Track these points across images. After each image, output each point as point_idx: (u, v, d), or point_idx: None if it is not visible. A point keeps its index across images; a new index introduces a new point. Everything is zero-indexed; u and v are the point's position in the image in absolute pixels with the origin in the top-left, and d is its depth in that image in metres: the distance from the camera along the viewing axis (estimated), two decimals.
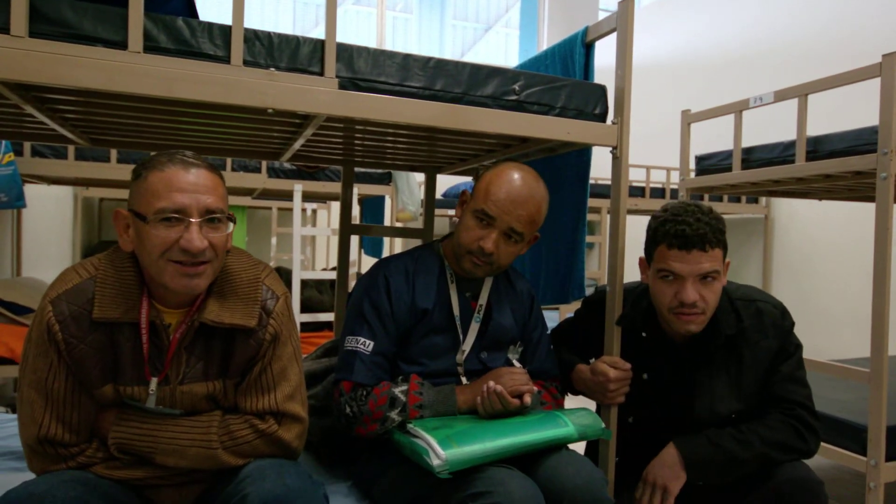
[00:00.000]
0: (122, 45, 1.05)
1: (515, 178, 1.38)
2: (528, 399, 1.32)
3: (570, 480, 1.20)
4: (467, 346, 1.44)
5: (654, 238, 1.40)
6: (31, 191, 3.49)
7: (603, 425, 1.37)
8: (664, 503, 1.38)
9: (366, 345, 1.37)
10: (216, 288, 1.17)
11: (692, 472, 1.39)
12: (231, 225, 1.14)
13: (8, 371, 2.61)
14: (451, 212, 4.83)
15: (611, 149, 1.50)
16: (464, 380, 1.43)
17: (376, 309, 1.40)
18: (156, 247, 1.06)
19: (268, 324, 1.18)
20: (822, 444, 2.07)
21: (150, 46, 1.07)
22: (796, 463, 1.39)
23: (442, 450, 1.15)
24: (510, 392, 1.31)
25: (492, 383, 1.31)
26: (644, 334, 1.51)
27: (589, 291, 1.70)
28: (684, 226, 1.34)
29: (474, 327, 1.45)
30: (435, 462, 1.14)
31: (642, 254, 1.49)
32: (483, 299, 1.48)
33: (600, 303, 1.57)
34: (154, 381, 1.12)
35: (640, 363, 1.49)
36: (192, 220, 1.07)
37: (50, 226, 4.36)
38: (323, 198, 4.72)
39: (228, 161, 3.46)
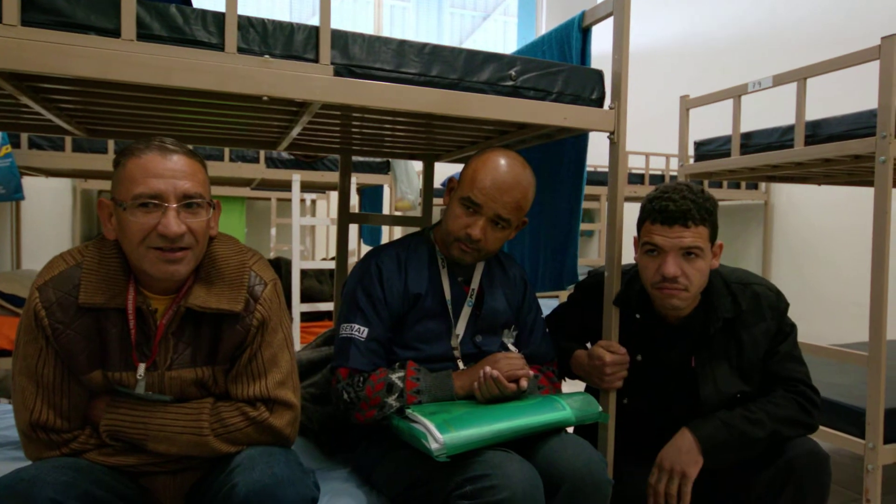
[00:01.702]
0: (116, 32, 1.05)
1: (501, 165, 1.39)
2: (524, 383, 1.32)
3: (569, 463, 1.21)
4: (460, 329, 1.45)
5: (642, 215, 1.44)
6: (30, 183, 3.49)
7: (600, 409, 1.38)
8: (682, 489, 1.39)
9: (360, 331, 1.38)
10: (203, 273, 1.17)
11: (709, 456, 1.40)
12: (211, 210, 1.14)
13: (10, 364, 2.62)
14: None
15: (608, 134, 1.50)
16: (460, 364, 1.44)
17: (369, 296, 1.40)
18: (135, 233, 1.07)
19: (255, 309, 1.18)
20: (821, 427, 2.09)
21: (144, 34, 1.07)
22: (804, 438, 1.42)
23: (440, 434, 1.16)
24: (507, 377, 1.32)
25: (488, 368, 1.32)
26: (638, 316, 1.52)
27: (583, 277, 1.70)
28: (668, 202, 1.37)
29: (466, 311, 1.46)
30: (433, 446, 1.15)
31: (635, 233, 1.50)
32: (475, 283, 1.49)
33: (594, 286, 1.58)
34: (142, 367, 1.13)
35: (634, 345, 1.50)
36: (169, 205, 1.07)
37: (49, 218, 4.36)
38: (321, 188, 4.72)
39: (226, 151, 3.45)
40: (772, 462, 1.39)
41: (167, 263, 1.09)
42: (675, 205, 1.36)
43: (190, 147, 1.17)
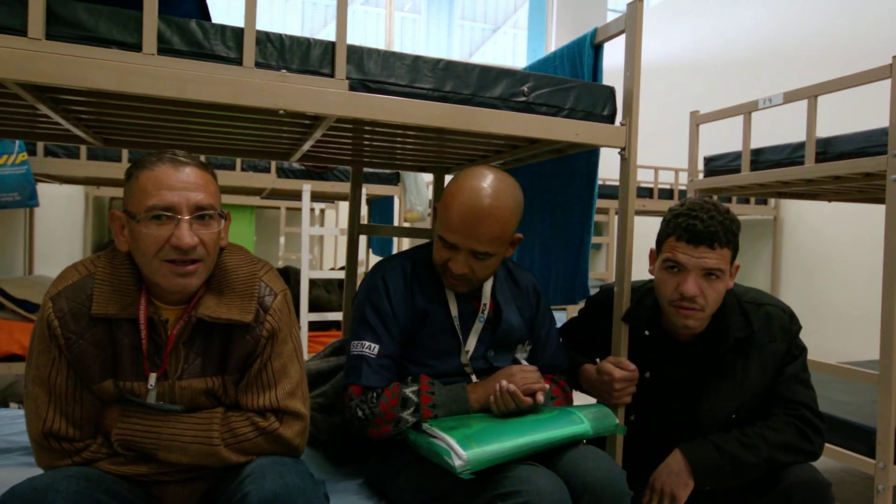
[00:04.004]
0: (137, 47, 1.07)
1: (472, 199, 1.31)
2: (540, 397, 1.32)
3: (590, 474, 1.21)
4: (470, 346, 1.43)
5: (666, 229, 1.42)
6: (44, 190, 3.52)
7: (617, 421, 1.37)
8: None
9: (371, 348, 1.37)
10: (213, 284, 1.18)
11: (699, 479, 1.39)
12: (223, 222, 1.16)
13: (22, 368, 2.64)
14: None
15: (619, 150, 1.50)
16: (473, 378, 1.43)
17: (378, 312, 1.40)
18: (149, 246, 1.08)
19: (265, 320, 1.19)
20: (831, 446, 2.07)
21: (164, 48, 1.09)
22: (803, 465, 1.39)
23: (463, 450, 1.14)
24: (522, 391, 1.31)
25: (504, 382, 1.31)
26: (647, 333, 1.51)
27: (594, 292, 1.70)
28: (696, 220, 1.35)
29: (478, 327, 1.45)
30: (457, 463, 1.14)
31: (654, 245, 1.49)
32: (486, 298, 1.47)
33: (604, 301, 1.58)
34: (153, 377, 1.14)
35: (642, 362, 1.49)
36: (182, 217, 1.08)
37: (62, 224, 4.40)
38: (331, 198, 4.74)
39: (238, 161, 3.48)
40: (770, 489, 1.36)
41: (180, 276, 1.10)
42: (704, 224, 1.34)
43: (202, 158, 1.18)
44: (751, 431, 1.41)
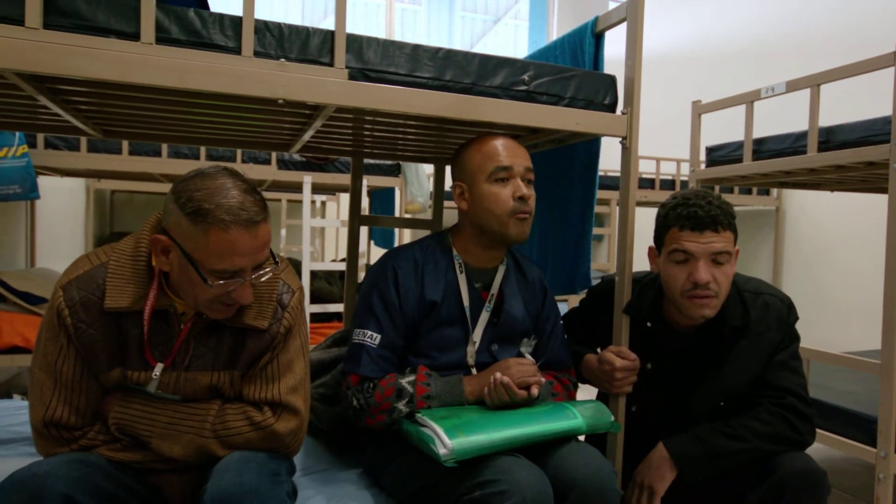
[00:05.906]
0: (135, 36, 1.06)
1: (493, 135, 1.46)
2: (535, 391, 1.31)
3: (578, 471, 1.20)
4: (477, 337, 1.43)
5: (665, 223, 1.41)
6: (45, 182, 3.53)
7: (612, 418, 1.36)
8: (650, 503, 1.39)
9: (373, 338, 1.37)
10: None
11: (684, 470, 1.39)
12: (275, 267, 1.18)
13: (24, 360, 2.65)
14: None
15: (620, 139, 1.50)
16: (474, 372, 1.43)
17: (384, 302, 1.39)
18: (208, 295, 1.10)
19: (282, 317, 1.21)
20: (832, 435, 2.07)
21: (163, 38, 1.08)
22: (797, 454, 1.38)
23: (448, 439, 1.15)
24: (517, 383, 1.31)
25: (499, 374, 1.31)
26: (649, 324, 1.51)
27: (596, 283, 1.70)
28: (696, 208, 1.36)
29: (484, 317, 1.44)
30: (441, 451, 1.15)
31: (652, 244, 1.49)
32: (494, 289, 1.47)
33: (606, 292, 1.58)
34: (159, 367, 1.15)
35: (644, 353, 1.49)
36: (247, 278, 1.11)
37: (63, 217, 4.41)
38: (332, 189, 4.74)
39: (238, 152, 3.48)
40: (764, 480, 1.36)
41: (227, 312, 1.15)
42: (704, 210, 1.36)
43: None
44: (735, 423, 1.41)
